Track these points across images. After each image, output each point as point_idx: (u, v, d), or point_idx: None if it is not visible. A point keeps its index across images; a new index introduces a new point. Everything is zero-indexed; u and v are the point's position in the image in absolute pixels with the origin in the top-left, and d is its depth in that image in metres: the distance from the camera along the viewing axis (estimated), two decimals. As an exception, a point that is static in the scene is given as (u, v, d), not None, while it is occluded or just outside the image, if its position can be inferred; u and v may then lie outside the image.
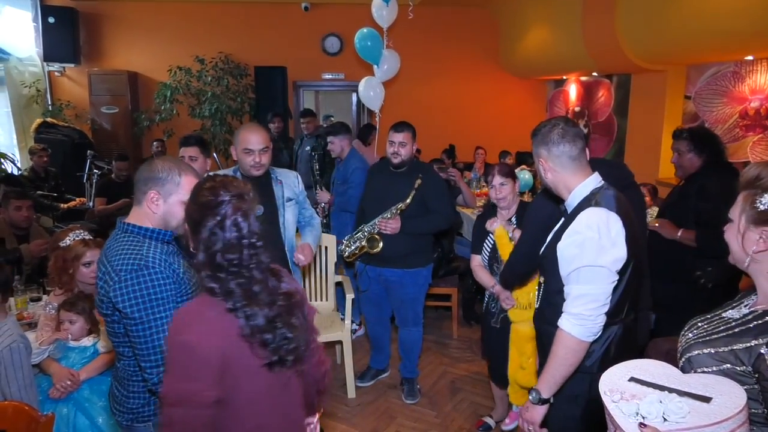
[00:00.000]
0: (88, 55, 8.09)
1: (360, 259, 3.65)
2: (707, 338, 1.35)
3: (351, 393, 3.75)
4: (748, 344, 1.23)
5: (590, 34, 5.91)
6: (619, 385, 1.21)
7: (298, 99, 8.80)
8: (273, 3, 8.26)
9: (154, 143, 7.00)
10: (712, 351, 1.29)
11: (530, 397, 1.86)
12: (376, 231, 3.46)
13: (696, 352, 1.33)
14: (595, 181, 1.89)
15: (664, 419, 1.10)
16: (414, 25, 5.56)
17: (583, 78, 7.76)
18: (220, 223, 1.39)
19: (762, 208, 1.26)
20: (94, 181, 6.39)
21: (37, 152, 5.97)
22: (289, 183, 3.01)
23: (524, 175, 5.19)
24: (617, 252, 1.76)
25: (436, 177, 3.68)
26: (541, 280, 2.07)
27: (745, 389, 1.18)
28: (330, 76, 8.64)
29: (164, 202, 1.82)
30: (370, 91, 5.53)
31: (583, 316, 1.75)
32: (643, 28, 5.23)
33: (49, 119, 7.49)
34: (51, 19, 7.51)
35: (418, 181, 3.38)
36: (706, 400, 1.10)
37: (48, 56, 7.67)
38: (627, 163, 6.59)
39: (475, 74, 8.82)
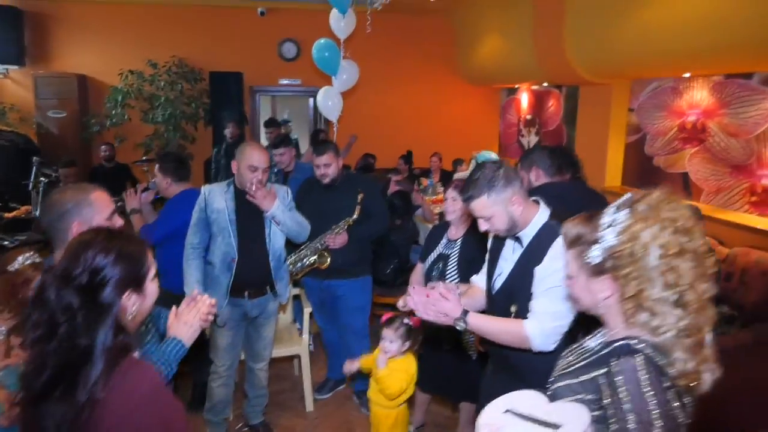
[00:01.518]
0: (33, 57, 7.79)
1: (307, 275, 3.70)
2: (568, 370, 1.43)
3: (309, 406, 3.78)
4: (591, 375, 1.32)
5: (540, 47, 6.11)
6: (493, 419, 1.30)
7: (254, 104, 8.73)
8: (228, 7, 8.17)
9: (102, 147, 6.83)
10: (569, 383, 1.38)
11: (457, 318, 1.94)
12: (323, 247, 3.52)
13: (557, 384, 1.42)
14: (545, 210, 2.04)
15: None
16: (372, 33, 5.62)
17: (535, 87, 8.01)
18: None
19: (594, 261, 1.36)
20: (41, 188, 6.19)
21: (-20, 160, 5.74)
22: (279, 197, 3.06)
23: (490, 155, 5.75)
24: None
25: (369, 183, 3.83)
26: (513, 309, 2.07)
27: (595, 415, 1.27)
28: (287, 82, 8.62)
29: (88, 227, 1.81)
30: (329, 101, 5.56)
31: (550, 332, 1.89)
32: (590, 43, 5.46)
33: (-9, 124, 7.20)
34: (-7, 20, 7.22)
35: (360, 195, 3.48)
36: (556, 427, 1.20)
37: (-10, 58, 7.37)
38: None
39: (431, 81, 8.96)
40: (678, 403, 1.23)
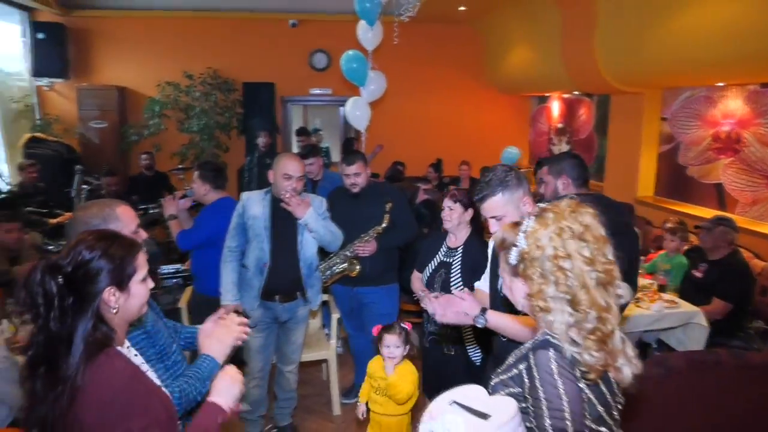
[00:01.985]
0: (76, 70, 8.14)
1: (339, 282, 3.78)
2: (504, 367, 1.49)
3: (336, 410, 3.85)
4: (518, 369, 1.39)
5: (570, 55, 6.10)
6: (436, 408, 1.39)
7: (286, 114, 8.92)
8: (261, 19, 8.39)
9: (142, 156, 7.08)
10: (503, 378, 1.45)
11: (477, 316, 1.98)
12: (352, 255, 3.59)
13: (495, 380, 1.49)
14: None
15: None
16: (400, 42, 5.71)
17: (566, 95, 7.96)
18: None
19: (512, 263, 1.47)
20: (83, 196, 6.45)
21: (27, 168, 6.02)
22: (314, 206, 3.17)
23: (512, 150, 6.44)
24: None
25: (396, 193, 3.91)
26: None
27: (522, 407, 1.35)
28: (317, 92, 8.77)
29: None
30: (357, 111, 5.65)
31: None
32: (621, 51, 5.43)
33: (37, 134, 7.52)
34: (40, 35, 7.57)
35: (389, 205, 3.55)
36: (486, 417, 1.31)
37: (37, 71, 7.72)
38: (607, 182, 6.81)
39: (460, 89, 9.00)
40: (594, 394, 1.32)
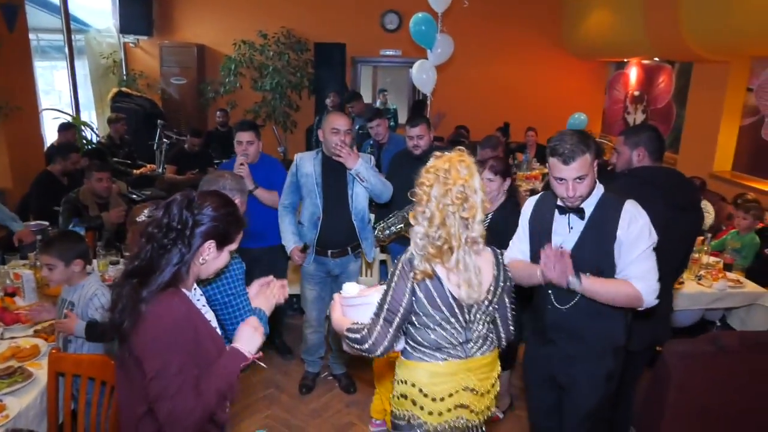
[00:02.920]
0: (159, 28, 8.54)
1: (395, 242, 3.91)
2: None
3: (389, 364, 4.04)
4: (394, 270, 1.94)
5: (651, 19, 5.79)
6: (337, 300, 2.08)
7: (356, 74, 9.00)
8: (334, -22, 8.41)
9: (218, 113, 7.42)
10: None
11: (571, 279, 2.07)
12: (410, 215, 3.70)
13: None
14: (599, 183, 2.17)
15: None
16: (472, 5, 5.62)
17: (645, 62, 7.58)
18: None
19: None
20: (164, 149, 6.88)
21: (117, 121, 6.45)
22: (365, 160, 3.31)
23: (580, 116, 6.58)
24: (654, 232, 2.11)
25: None
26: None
27: None
28: (387, 53, 8.77)
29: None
30: (423, 74, 5.67)
31: (656, 287, 2.08)
32: (707, 16, 5.11)
33: (124, 89, 8.02)
34: (127, -7, 7.97)
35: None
36: (369, 303, 1.95)
37: (124, 28, 8.17)
38: (682, 155, 6.52)
39: (532, 54, 8.73)
40: (422, 292, 1.83)
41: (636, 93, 7.87)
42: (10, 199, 4.91)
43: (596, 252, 2.12)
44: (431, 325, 1.88)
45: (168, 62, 8.41)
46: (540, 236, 2.26)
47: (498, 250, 1.99)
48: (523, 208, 2.41)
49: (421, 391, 1.93)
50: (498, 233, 2.91)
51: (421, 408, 1.94)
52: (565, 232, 2.19)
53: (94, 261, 3.54)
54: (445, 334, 1.89)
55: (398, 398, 1.99)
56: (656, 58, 7.02)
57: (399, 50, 8.69)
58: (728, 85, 5.70)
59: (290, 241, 3.37)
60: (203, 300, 1.72)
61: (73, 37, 7.28)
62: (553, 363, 2.30)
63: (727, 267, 4.00)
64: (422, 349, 1.92)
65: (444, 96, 7.95)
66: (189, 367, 1.47)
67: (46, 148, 6.04)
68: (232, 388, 1.56)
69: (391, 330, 1.84)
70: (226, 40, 8.32)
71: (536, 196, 2.41)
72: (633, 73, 7.96)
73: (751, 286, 3.78)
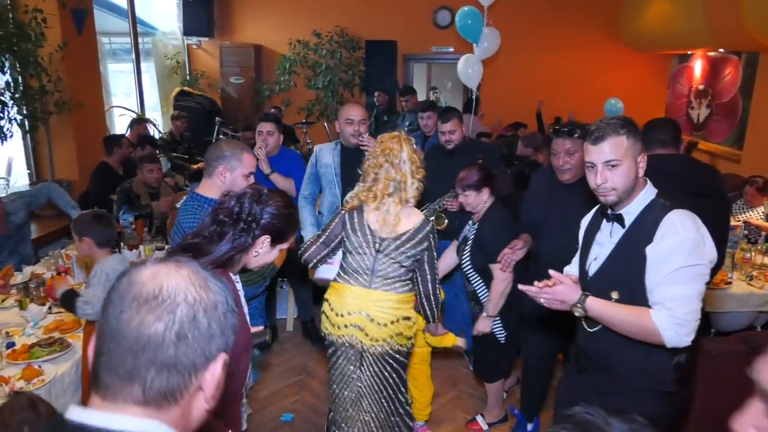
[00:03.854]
0: (220, 29, 8.91)
1: None
2: None
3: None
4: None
5: (712, 7, 5.48)
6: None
7: (407, 71, 9.03)
8: (387, -23, 8.47)
9: (272, 110, 7.64)
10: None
11: (577, 300, 1.83)
12: (441, 209, 3.70)
13: None
14: (651, 187, 1.86)
15: None
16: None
17: (711, 54, 7.17)
18: None
19: None
20: (221, 145, 7.16)
21: (179, 118, 6.79)
22: None
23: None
24: (712, 251, 1.75)
25: (490, 148, 3.99)
26: (614, 297, 1.86)
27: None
28: (437, 49, 8.75)
29: (230, 174, 2.30)
30: (469, 69, 5.62)
31: (684, 320, 1.69)
32: (773, 3, 4.79)
33: (186, 88, 8.42)
34: (190, -3, 8.37)
35: (480, 161, 3.56)
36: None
37: (187, 30, 8.59)
38: (746, 150, 6.13)
39: (589, 47, 8.45)
40: (348, 221, 2.50)
41: (701, 87, 7.46)
42: (76, 191, 5.27)
43: (627, 270, 1.82)
44: (351, 250, 2.48)
45: (227, 62, 8.76)
46: (585, 246, 2.03)
47: (432, 223, 2.48)
48: (584, 218, 2.13)
49: (329, 305, 2.52)
50: (481, 247, 2.93)
51: (328, 319, 2.52)
52: (606, 240, 1.92)
53: (141, 246, 3.77)
54: (359, 259, 2.47)
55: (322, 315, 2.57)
56: (721, 50, 6.63)
57: (451, 47, 8.64)
58: (797, 76, 5.32)
59: (309, 232, 3.44)
60: (240, 286, 1.83)
61: (140, 39, 7.74)
62: (585, 397, 1.94)
63: (783, 268, 3.75)
64: (342, 273, 2.52)
65: (495, 92, 7.86)
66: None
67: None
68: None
69: (321, 246, 2.54)
70: (282, 39, 8.57)
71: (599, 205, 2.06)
72: (698, 66, 7.54)
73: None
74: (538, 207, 2.88)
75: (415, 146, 2.55)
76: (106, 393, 0.77)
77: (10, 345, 2.54)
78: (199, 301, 0.80)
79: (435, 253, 2.53)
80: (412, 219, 2.46)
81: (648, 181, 1.86)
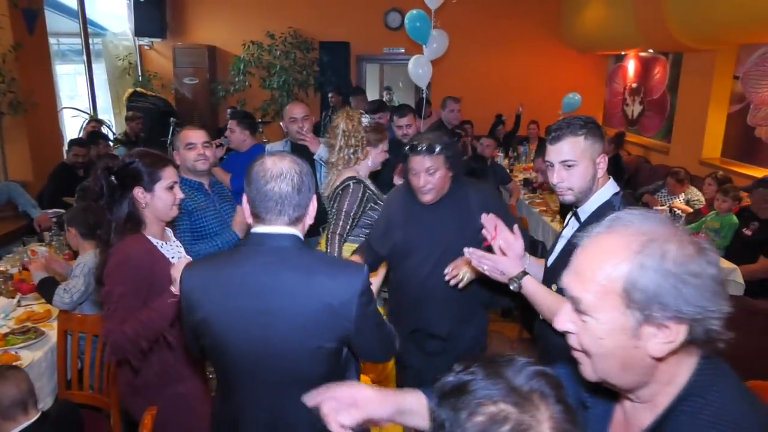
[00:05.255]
0: (173, 30, 8.91)
1: None
2: None
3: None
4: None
5: (640, 11, 5.95)
6: None
7: (361, 72, 9.26)
8: (338, -21, 8.69)
9: (229, 110, 7.72)
10: None
11: (516, 275, 1.79)
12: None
13: None
14: (613, 185, 1.85)
15: None
16: (469, 2, 5.82)
17: (642, 54, 7.71)
18: None
19: None
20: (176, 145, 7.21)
21: (134, 119, 6.81)
22: (328, 146, 3.58)
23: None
24: None
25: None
26: (554, 289, 1.85)
27: None
28: (390, 51, 9.02)
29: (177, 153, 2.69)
30: (419, 69, 5.90)
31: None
32: (691, 7, 5.25)
33: (139, 89, 8.40)
34: (141, -2, 8.35)
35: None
36: None
37: (139, 31, 8.56)
38: (674, 143, 6.65)
39: (533, 48, 8.90)
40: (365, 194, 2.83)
41: (634, 85, 8.00)
42: (31, 191, 5.26)
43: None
44: None
45: (181, 63, 8.78)
46: (555, 239, 2.05)
47: (352, 185, 2.80)
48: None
49: None
50: None
51: None
52: (568, 234, 1.91)
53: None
54: None
55: None
56: (650, 50, 7.15)
57: (402, 48, 8.93)
58: (715, 74, 5.84)
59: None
60: (181, 252, 2.01)
61: (90, 40, 7.69)
62: None
63: (701, 245, 4.17)
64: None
65: (443, 91, 8.14)
66: (128, 299, 1.78)
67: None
68: (159, 321, 1.79)
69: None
70: (235, 40, 8.65)
71: None
72: (631, 66, 8.09)
73: (722, 263, 3.94)
74: (394, 230, 2.46)
75: (363, 120, 2.92)
76: (268, 222, 1.45)
77: (-16, 335, 2.63)
78: (298, 171, 1.45)
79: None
80: (341, 176, 2.85)
81: (611, 178, 1.87)
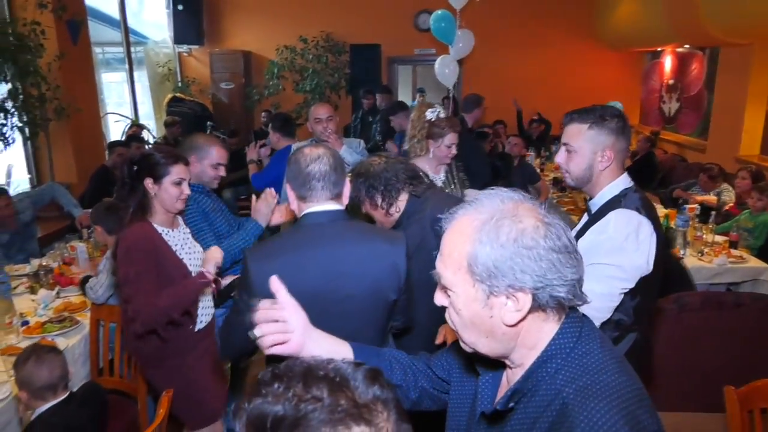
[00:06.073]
0: (210, 37, 9.20)
1: None
2: None
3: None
4: None
5: (670, 5, 5.82)
6: None
7: (393, 74, 9.35)
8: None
9: (262, 114, 7.97)
10: None
11: None
12: None
13: None
14: (625, 180, 1.82)
15: None
16: (494, 1, 5.82)
17: (679, 50, 7.53)
18: None
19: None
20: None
21: (173, 124, 7.08)
22: (353, 147, 3.71)
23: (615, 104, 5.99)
24: (638, 258, 1.69)
25: (471, 143, 4.26)
26: None
27: None
28: (420, 51, 9.08)
29: (199, 164, 2.61)
30: (445, 69, 5.95)
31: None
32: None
33: (178, 94, 8.71)
34: (180, 6, 8.66)
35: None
36: None
37: (178, 39, 8.89)
38: (710, 140, 6.47)
39: (566, 46, 8.80)
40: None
41: (671, 82, 7.81)
42: (75, 192, 5.54)
43: None
44: None
45: (217, 68, 9.06)
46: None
47: None
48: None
49: None
50: None
51: None
52: (580, 226, 1.91)
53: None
54: None
55: None
56: (686, 45, 6.98)
57: (433, 48, 8.96)
58: (753, 68, 5.66)
59: None
60: (188, 238, 2.19)
61: (132, 49, 8.04)
62: None
63: (733, 245, 4.07)
64: None
65: (475, 90, 8.14)
66: (146, 275, 1.95)
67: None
68: (189, 297, 2.03)
69: None
70: (269, 45, 8.87)
71: None
72: (668, 62, 7.90)
73: (753, 262, 3.85)
74: None
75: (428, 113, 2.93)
76: (313, 200, 1.63)
77: (25, 323, 2.83)
78: (332, 154, 1.67)
79: None
80: None
81: (625, 173, 1.84)
